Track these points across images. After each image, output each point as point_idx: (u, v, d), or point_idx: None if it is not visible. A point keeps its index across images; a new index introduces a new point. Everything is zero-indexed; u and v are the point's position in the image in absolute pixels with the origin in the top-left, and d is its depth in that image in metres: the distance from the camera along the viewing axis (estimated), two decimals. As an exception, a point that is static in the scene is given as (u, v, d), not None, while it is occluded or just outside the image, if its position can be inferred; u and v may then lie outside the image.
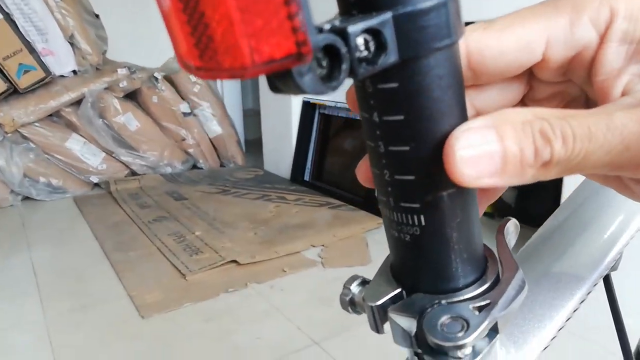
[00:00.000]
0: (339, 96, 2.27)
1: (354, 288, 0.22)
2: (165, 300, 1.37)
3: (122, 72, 2.42)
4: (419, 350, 0.18)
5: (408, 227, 0.18)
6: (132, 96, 2.55)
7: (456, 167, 0.15)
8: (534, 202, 1.71)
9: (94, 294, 1.44)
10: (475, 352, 0.17)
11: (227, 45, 0.13)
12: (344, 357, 1.12)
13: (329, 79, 0.14)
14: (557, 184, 1.40)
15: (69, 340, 1.22)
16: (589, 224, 0.29)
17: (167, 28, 0.15)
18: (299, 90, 0.14)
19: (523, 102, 0.22)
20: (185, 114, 2.63)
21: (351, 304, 0.22)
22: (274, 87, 0.15)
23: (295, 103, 2.36)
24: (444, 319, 0.17)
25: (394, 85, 0.16)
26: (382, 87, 0.16)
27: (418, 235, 0.18)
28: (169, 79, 2.64)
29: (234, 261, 1.57)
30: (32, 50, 2.22)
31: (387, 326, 0.20)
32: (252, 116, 3.23)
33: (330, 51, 0.14)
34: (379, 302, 0.19)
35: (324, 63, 0.14)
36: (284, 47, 0.13)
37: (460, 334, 0.17)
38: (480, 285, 0.19)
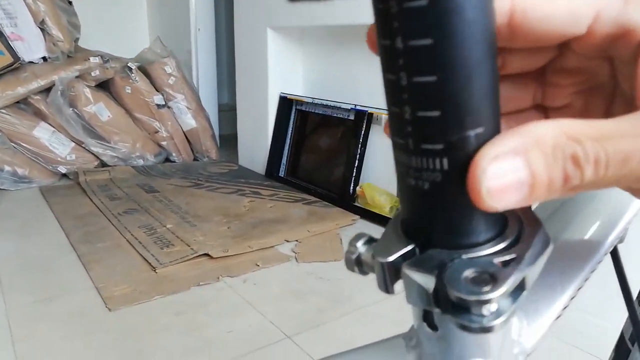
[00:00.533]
0: (317, 92, 2.26)
1: (361, 246, 0.20)
2: (133, 293, 1.34)
3: (94, 60, 2.36)
4: (436, 309, 0.17)
5: (428, 172, 0.16)
6: (104, 86, 2.48)
7: (482, 199, 0.15)
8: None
9: (59, 286, 1.39)
10: (498, 312, 0.16)
11: None
12: (316, 352, 1.11)
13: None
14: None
15: (30, 334, 1.17)
16: (596, 194, 0.28)
17: None
18: None
19: (546, 68, 0.20)
20: (159, 106, 2.58)
21: (357, 263, 0.20)
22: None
23: (272, 98, 2.34)
24: (468, 273, 0.16)
25: (423, 3, 0.14)
26: (409, 6, 0.15)
27: (439, 182, 0.16)
28: (143, 70, 2.59)
29: (206, 255, 1.55)
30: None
31: (397, 286, 0.19)
32: (227, 111, 3.19)
33: None
34: (391, 259, 0.18)
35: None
36: None
37: (486, 288, 0.15)
38: (503, 240, 0.17)
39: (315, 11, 1.99)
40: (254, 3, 2.33)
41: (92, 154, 2.40)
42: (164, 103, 2.60)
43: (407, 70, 0.15)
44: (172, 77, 2.61)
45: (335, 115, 2.15)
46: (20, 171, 2.20)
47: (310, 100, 2.23)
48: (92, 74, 2.37)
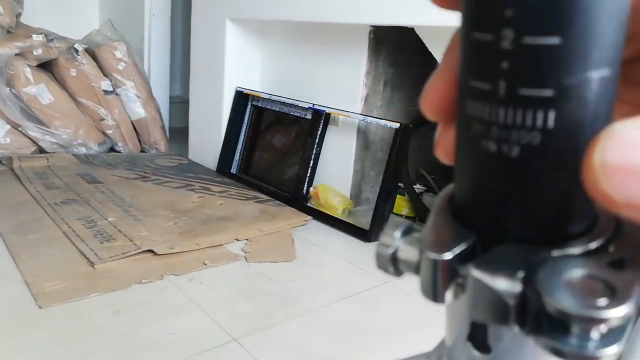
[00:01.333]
0: (274, 89, 2.22)
1: (400, 237, 0.15)
2: (68, 290, 1.24)
3: (37, 38, 2.21)
4: (517, 328, 0.12)
5: (522, 132, 0.12)
6: (47, 67, 2.33)
7: (592, 176, 0.10)
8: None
9: (-16, 278, 1.27)
10: (609, 337, 0.11)
11: None
12: (264, 356, 1.06)
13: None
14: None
15: (-53, 330, 1.06)
16: None
17: None
18: None
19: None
20: (106, 92, 2.45)
21: (393, 261, 0.15)
22: None
23: (228, 92, 2.27)
24: (572, 277, 0.12)
25: None
26: None
27: (535, 147, 0.12)
28: (91, 53, 2.45)
29: (150, 251, 1.46)
30: None
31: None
32: (179, 103, 3.09)
33: None
34: (449, 255, 0.13)
35: None
36: None
37: (603, 301, 0.11)
38: (599, 235, 0.13)
39: (278, 5, 1.95)
40: None
41: (30, 138, 2.25)
42: (111, 89, 2.47)
43: None
44: (122, 63, 2.48)
45: (292, 113, 2.11)
46: (-55, 152, 2.02)
47: (267, 97, 2.18)
48: (34, 52, 2.21)
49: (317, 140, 1.95)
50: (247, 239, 1.63)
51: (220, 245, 1.57)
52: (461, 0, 0.12)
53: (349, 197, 1.93)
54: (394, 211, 1.86)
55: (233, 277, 1.40)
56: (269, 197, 2.00)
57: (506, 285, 0.12)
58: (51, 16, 2.69)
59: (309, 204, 1.93)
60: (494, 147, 0.12)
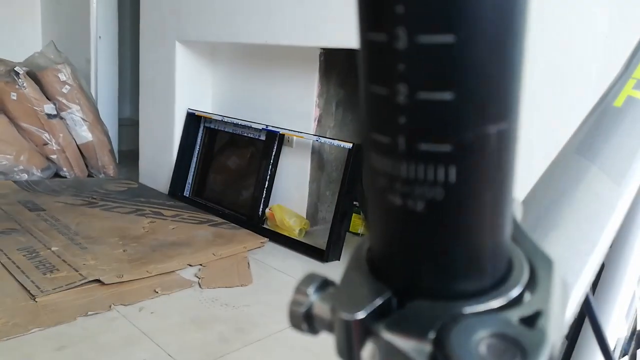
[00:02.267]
0: (227, 110, 2.20)
1: (313, 293, 0.14)
2: (6, 326, 1.17)
3: (-26, 60, 2.11)
4: None
5: (425, 187, 0.11)
6: (-15, 90, 2.23)
7: None
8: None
9: None
10: None
11: None
12: (219, 386, 1.03)
13: None
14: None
15: None
16: (554, 229, 0.25)
17: None
18: None
19: None
20: (49, 116, 2.36)
21: (307, 318, 0.14)
22: None
23: (179, 114, 2.23)
24: (482, 338, 0.11)
25: None
26: None
27: (440, 202, 0.11)
28: (33, 76, 2.36)
29: (97, 281, 1.40)
30: None
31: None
32: (128, 126, 3.01)
33: None
34: (361, 315, 0.13)
35: None
36: None
37: None
38: (513, 285, 0.13)
39: (228, 28, 1.95)
40: (162, 14, 2.24)
41: (-35, 165, 2.13)
42: (55, 113, 2.38)
43: (408, 25, 0.10)
44: (66, 86, 2.40)
45: (245, 134, 2.10)
46: None
47: (219, 118, 2.16)
48: (-29, 75, 2.11)
49: (271, 161, 1.95)
50: (201, 264, 1.59)
51: (173, 271, 1.53)
52: (358, 51, 0.12)
53: (305, 217, 1.93)
54: (350, 230, 1.87)
55: (186, 304, 1.36)
56: (223, 220, 1.97)
57: (417, 347, 0.12)
58: (-10, 38, 2.59)
59: (265, 226, 1.91)
60: (399, 201, 0.12)
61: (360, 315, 0.13)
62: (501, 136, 0.11)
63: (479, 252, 0.12)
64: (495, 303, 0.12)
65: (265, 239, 1.81)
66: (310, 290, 0.14)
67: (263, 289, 1.48)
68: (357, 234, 1.92)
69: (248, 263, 1.63)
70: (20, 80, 2.27)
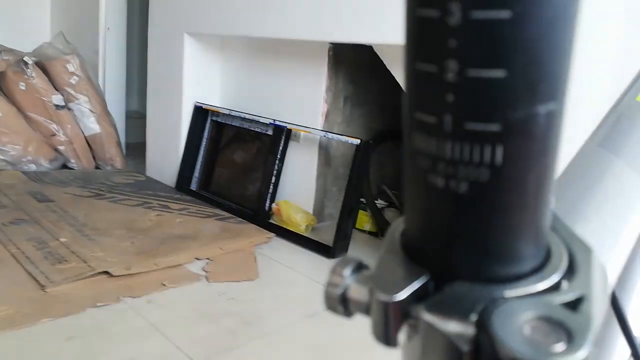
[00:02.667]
0: (234, 104, 2.21)
1: (349, 275, 0.14)
2: (17, 315, 1.19)
3: (-16, 50, 2.12)
4: None
5: (470, 167, 0.11)
6: (-6, 80, 2.24)
7: None
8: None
9: None
10: None
11: None
12: (227, 379, 1.05)
13: None
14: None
15: None
16: (577, 224, 0.25)
17: None
18: None
19: None
20: (58, 107, 2.37)
21: (343, 301, 0.14)
22: None
23: (186, 107, 2.24)
24: (526, 320, 0.11)
25: None
26: None
27: (484, 184, 0.11)
28: (41, 66, 2.37)
29: (106, 273, 1.42)
30: None
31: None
32: (136, 118, 3.02)
33: None
34: (400, 296, 0.13)
35: None
36: None
37: (560, 346, 0.11)
38: (553, 271, 0.13)
39: (238, 21, 1.95)
40: (171, 6, 2.24)
41: (-26, 155, 2.15)
42: (63, 104, 2.40)
43: (463, 0, 0.10)
44: (74, 77, 2.42)
45: (252, 129, 2.11)
46: None
47: (227, 112, 2.16)
48: (-20, 66, 2.13)
49: (278, 156, 1.95)
50: (208, 258, 1.60)
51: (180, 265, 1.54)
52: (404, 29, 0.12)
53: (311, 213, 1.94)
54: (356, 227, 1.88)
55: (194, 298, 1.38)
56: (230, 215, 1.98)
57: (459, 329, 0.12)
58: (0, 27, 2.60)
59: (271, 221, 1.92)
60: (442, 183, 0.12)
61: (400, 297, 0.13)
62: (550, 117, 0.11)
63: (520, 236, 0.12)
64: (537, 287, 0.12)
65: (272, 234, 1.82)
66: (347, 272, 0.14)
67: (270, 284, 1.49)
68: (364, 231, 1.93)
69: (255, 258, 1.64)
70: (29, 70, 2.28)
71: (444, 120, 0.11)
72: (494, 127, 0.11)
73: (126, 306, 1.29)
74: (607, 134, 0.28)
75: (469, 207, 0.12)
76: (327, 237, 1.78)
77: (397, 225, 0.15)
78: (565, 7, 0.10)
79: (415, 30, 0.11)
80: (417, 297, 0.13)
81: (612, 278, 0.23)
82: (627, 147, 0.27)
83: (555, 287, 0.13)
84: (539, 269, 0.13)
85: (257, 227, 1.87)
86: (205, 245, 1.68)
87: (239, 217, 1.96)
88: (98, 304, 1.27)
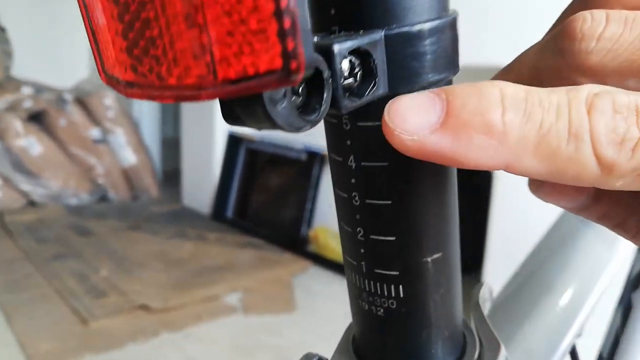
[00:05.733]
0: (267, 132, 2.28)
1: None
2: (62, 350, 1.27)
3: (26, 90, 2.29)
4: None
5: (383, 299, 0.16)
6: (37, 118, 2.41)
7: (385, 123, 0.12)
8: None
9: (-25, 343, 1.30)
10: None
11: (177, 52, 0.09)
12: (265, 414, 1.09)
13: (306, 111, 0.11)
14: (481, 228, 1.48)
15: (-61, 400, 1.09)
16: (548, 291, 0.29)
17: (85, 22, 0.11)
18: (268, 122, 0.11)
19: None
20: (96, 141, 2.52)
21: None
22: (233, 117, 0.11)
23: (219, 135, 2.34)
24: None
25: (377, 124, 0.13)
26: (363, 125, 0.14)
27: (394, 310, 0.16)
28: (80, 102, 2.53)
29: (144, 306, 1.50)
30: None
31: None
32: (171, 145, 3.15)
33: (309, 75, 0.11)
34: None
35: (301, 90, 0.11)
36: (264, 59, 0.09)
37: None
38: None
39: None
40: None
41: (20, 191, 2.30)
42: (101, 138, 2.55)
43: (361, 191, 0.14)
44: (111, 110, 2.57)
45: (286, 155, 2.17)
46: None
47: (260, 139, 2.24)
48: (24, 105, 2.29)
49: (313, 182, 2.00)
50: (245, 289, 1.66)
51: (217, 297, 1.60)
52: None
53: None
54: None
55: (230, 331, 1.43)
56: (266, 242, 2.04)
57: None
58: (40, 65, 2.79)
59: (308, 249, 1.97)
60: (366, 307, 0.16)
61: None
62: (436, 262, 0.15)
63: (430, 344, 0.16)
64: None
65: (309, 262, 1.86)
66: None
67: (308, 316, 1.53)
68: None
69: (292, 288, 1.69)
70: (68, 107, 2.44)
71: (361, 265, 0.16)
72: (395, 272, 0.15)
73: (164, 341, 1.35)
74: None
75: (387, 326, 0.16)
76: (364, 264, 1.80)
77: (349, 328, 0.19)
78: (437, 187, 0.15)
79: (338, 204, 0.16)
80: None
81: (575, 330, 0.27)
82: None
83: None
84: None
85: (294, 255, 1.92)
86: (241, 275, 1.74)
87: (275, 244, 2.01)
88: (137, 339, 1.35)
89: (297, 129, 0.11)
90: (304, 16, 0.09)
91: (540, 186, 0.17)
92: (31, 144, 2.28)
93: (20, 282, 1.64)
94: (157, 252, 1.93)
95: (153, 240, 2.06)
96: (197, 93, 0.09)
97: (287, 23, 0.09)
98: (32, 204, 2.34)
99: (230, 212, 2.34)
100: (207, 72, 0.09)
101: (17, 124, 2.25)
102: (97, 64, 0.11)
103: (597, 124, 0.12)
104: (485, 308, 0.20)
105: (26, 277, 1.68)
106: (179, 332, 1.39)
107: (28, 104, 2.31)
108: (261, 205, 2.31)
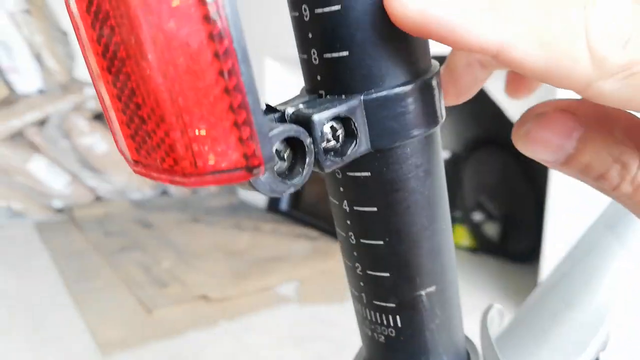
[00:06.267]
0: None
1: None
2: (128, 337, 1.35)
3: (89, 92, 2.42)
4: None
5: (382, 327, 0.17)
6: (101, 117, 2.54)
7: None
8: (517, 238, 1.74)
9: (51, 328, 1.40)
10: None
11: (167, 146, 0.11)
12: (319, 402, 1.11)
13: (291, 175, 0.13)
14: (539, 218, 1.43)
15: (21, 382, 1.18)
16: (571, 305, 0.29)
17: (105, 113, 0.13)
18: (253, 189, 0.13)
19: None
20: (157, 137, 2.62)
21: None
22: None
23: (274, 128, 2.36)
24: None
25: (365, 174, 0.15)
26: (352, 175, 0.15)
27: (393, 337, 0.17)
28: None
29: (204, 296, 1.56)
30: (-5, 66, 2.21)
31: None
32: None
33: (292, 142, 0.13)
34: None
35: (285, 155, 0.13)
36: (231, 158, 0.11)
37: None
38: None
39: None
40: (250, 26, 2.22)
41: (88, 187, 2.44)
42: (162, 133, 2.65)
43: (355, 232, 0.16)
44: (170, 107, 2.66)
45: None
46: (14, 206, 2.24)
47: (313, 131, 2.25)
48: (88, 105, 2.42)
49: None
50: (300, 280, 1.69)
51: (272, 287, 1.64)
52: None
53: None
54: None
55: (286, 321, 1.46)
56: (320, 234, 2.06)
57: None
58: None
59: (361, 239, 1.97)
60: (370, 333, 0.18)
61: None
62: (430, 296, 0.17)
63: None
64: None
65: (363, 252, 1.87)
66: None
67: (361, 305, 1.54)
68: (461, 247, 1.92)
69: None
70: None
71: (362, 296, 0.17)
72: (391, 304, 0.17)
73: (223, 329, 1.41)
74: (614, 213, 0.30)
75: (387, 351, 0.18)
76: (419, 254, 1.79)
77: (361, 351, 0.21)
78: (427, 226, 0.16)
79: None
80: None
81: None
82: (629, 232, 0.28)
83: None
84: None
85: (348, 246, 1.93)
86: (297, 266, 1.77)
87: (330, 235, 2.03)
88: (197, 327, 1.41)
89: (280, 193, 0.13)
90: (259, 123, 0.11)
91: (526, 133, 0.16)
92: (96, 142, 2.42)
93: (90, 273, 1.74)
94: (216, 243, 2.00)
95: (211, 232, 2.13)
96: (186, 180, 0.12)
97: (245, 132, 0.11)
98: (98, 199, 2.48)
99: (284, 205, 2.38)
100: (191, 164, 0.11)
101: (82, 123, 2.38)
102: (114, 139, 0.14)
103: (592, 17, 0.12)
104: (495, 328, 0.21)
105: (95, 268, 1.78)
106: (237, 322, 1.44)
107: (92, 105, 2.44)
108: (316, 196, 2.34)
